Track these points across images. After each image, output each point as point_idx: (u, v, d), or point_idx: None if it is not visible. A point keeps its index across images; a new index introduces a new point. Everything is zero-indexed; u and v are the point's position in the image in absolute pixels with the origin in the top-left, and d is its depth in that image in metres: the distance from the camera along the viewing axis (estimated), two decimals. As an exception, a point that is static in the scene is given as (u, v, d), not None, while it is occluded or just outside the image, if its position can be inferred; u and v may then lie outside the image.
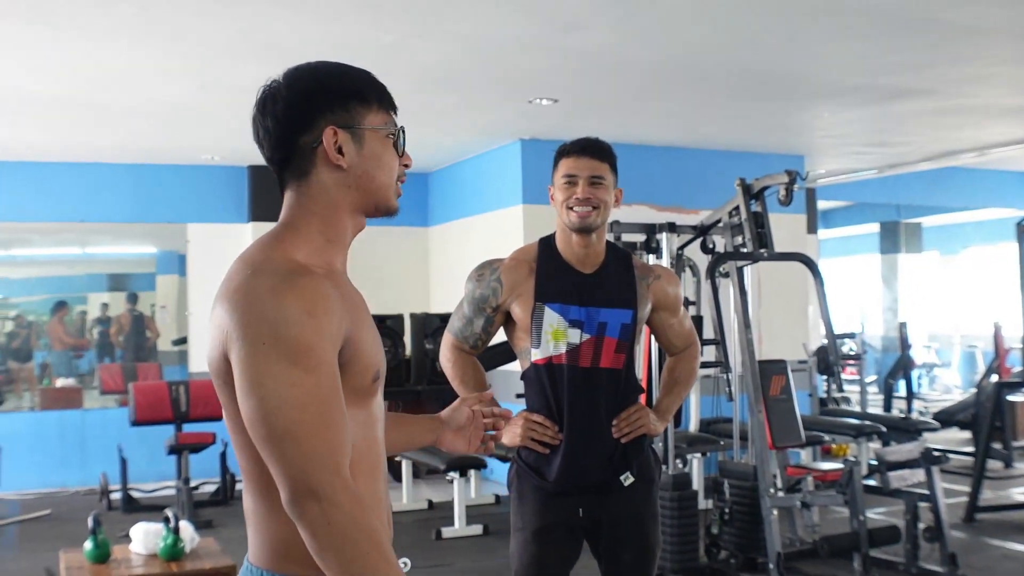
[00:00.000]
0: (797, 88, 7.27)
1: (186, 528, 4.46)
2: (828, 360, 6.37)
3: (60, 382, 10.38)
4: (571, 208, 3.25)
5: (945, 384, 15.97)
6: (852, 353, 12.32)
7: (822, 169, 10.90)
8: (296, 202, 1.82)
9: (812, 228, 11.03)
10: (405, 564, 1.84)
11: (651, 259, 6.49)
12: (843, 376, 13.30)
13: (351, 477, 1.64)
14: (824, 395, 10.07)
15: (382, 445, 1.87)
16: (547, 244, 3.38)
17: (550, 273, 3.31)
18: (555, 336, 3.25)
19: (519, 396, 3.48)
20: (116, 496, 8.33)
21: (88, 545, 4.29)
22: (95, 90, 6.95)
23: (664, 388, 3.53)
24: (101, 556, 4.29)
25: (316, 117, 1.78)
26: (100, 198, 9.70)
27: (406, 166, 1.88)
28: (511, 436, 3.33)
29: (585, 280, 3.30)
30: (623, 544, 3.34)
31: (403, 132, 1.87)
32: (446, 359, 3.44)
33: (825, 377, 10.02)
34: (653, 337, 3.57)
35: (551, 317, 3.25)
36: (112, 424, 9.18)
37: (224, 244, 9.97)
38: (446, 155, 9.78)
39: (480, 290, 3.35)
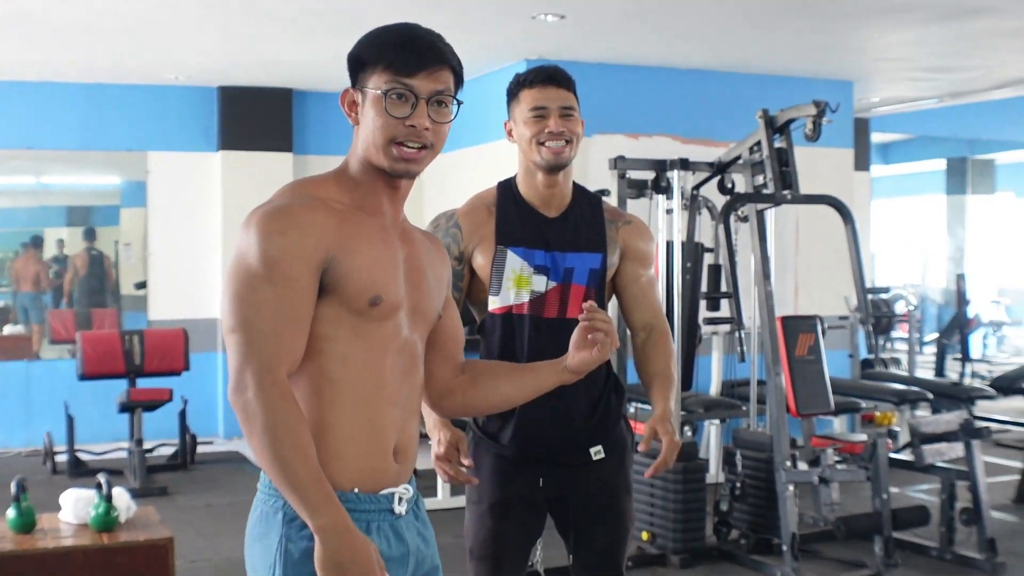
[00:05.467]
0: (840, 5, 7.23)
1: (121, 496, 4.58)
2: (860, 319, 6.39)
3: (8, 329, 10.49)
4: (543, 144, 3.27)
5: (1016, 345, 15.94)
6: (905, 309, 12.31)
7: (875, 97, 10.84)
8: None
9: (862, 164, 10.98)
10: None
11: (661, 200, 6.54)
12: (895, 334, 13.34)
13: (334, 394, 2.20)
14: (870, 356, 10.06)
15: (394, 374, 2.30)
16: (507, 187, 3.43)
17: (511, 216, 3.36)
18: (518, 283, 3.30)
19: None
20: (63, 458, 8.48)
21: (11, 513, 4.41)
22: (43, 1, 7.01)
23: (653, 390, 3.40)
24: (25, 525, 4.40)
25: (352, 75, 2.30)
26: (51, 122, 9.81)
27: (411, 126, 2.23)
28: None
29: (550, 223, 3.35)
30: (593, 520, 3.41)
31: (403, 93, 2.23)
32: None
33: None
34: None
35: (513, 262, 3.30)
36: (61, 378, 9.34)
37: (190, 175, 10.07)
38: (441, 77, 9.77)
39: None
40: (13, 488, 4.41)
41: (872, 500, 5.80)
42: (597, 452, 3.39)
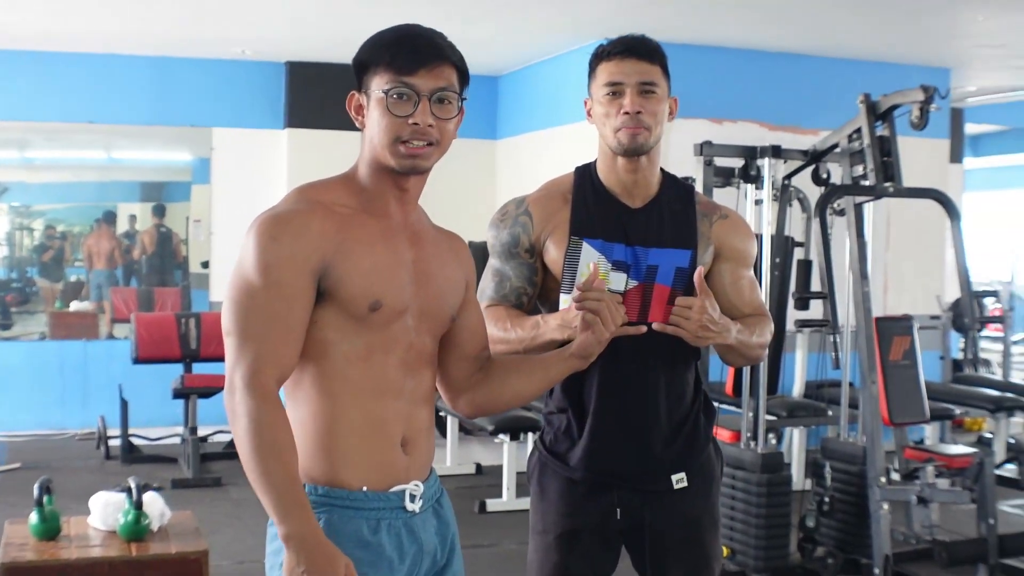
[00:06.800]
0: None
1: (154, 502, 4.15)
2: (962, 321, 5.87)
3: (74, 305, 10.19)
4: (617, 126, 2.83)
5: None
6: (996, 308, 11.65)
7: (972, 86, 10.27)
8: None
9: (956, 156, 10.50)
10: None
11: (749, 190, 6.03)
12: (986, 334, 12.68)
13: (337, 393, 2.20)
14: (961, 357, 9.47)
15: (398, 371, 2.26)
16: (585, 172, 3.01)
17: (589, 204, 2.93)
18: None
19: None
20: (116, 443, 8.16)
21: (33, 518, 4.00)
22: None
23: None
24: (49, 531, 3.98)
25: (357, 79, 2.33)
26: (117, 96, 9.48)
27: (415, 124, 2.21)
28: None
29: (633, 214, 2.91)
30: (672, 556, 2.98)
31: (404, 92, 2.22)
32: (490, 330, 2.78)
33: (962, 337, 9.46)
34: None
35: (589, 255, 2.86)
36: (118, 359, 8.98)
37: (255, 153, 9.77)
38: (517, 55, 9.36)
39: (507, 230, 2.97)
40: (35, 491, 4.00)
41: (977, 525, 5.27)
42: (679, 480, 2.95)
